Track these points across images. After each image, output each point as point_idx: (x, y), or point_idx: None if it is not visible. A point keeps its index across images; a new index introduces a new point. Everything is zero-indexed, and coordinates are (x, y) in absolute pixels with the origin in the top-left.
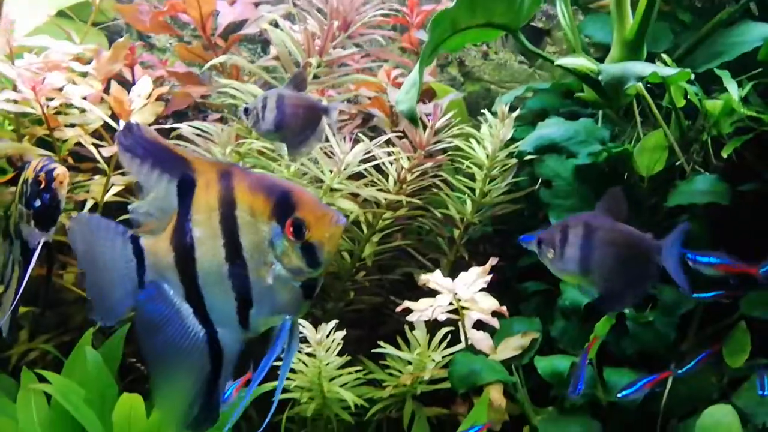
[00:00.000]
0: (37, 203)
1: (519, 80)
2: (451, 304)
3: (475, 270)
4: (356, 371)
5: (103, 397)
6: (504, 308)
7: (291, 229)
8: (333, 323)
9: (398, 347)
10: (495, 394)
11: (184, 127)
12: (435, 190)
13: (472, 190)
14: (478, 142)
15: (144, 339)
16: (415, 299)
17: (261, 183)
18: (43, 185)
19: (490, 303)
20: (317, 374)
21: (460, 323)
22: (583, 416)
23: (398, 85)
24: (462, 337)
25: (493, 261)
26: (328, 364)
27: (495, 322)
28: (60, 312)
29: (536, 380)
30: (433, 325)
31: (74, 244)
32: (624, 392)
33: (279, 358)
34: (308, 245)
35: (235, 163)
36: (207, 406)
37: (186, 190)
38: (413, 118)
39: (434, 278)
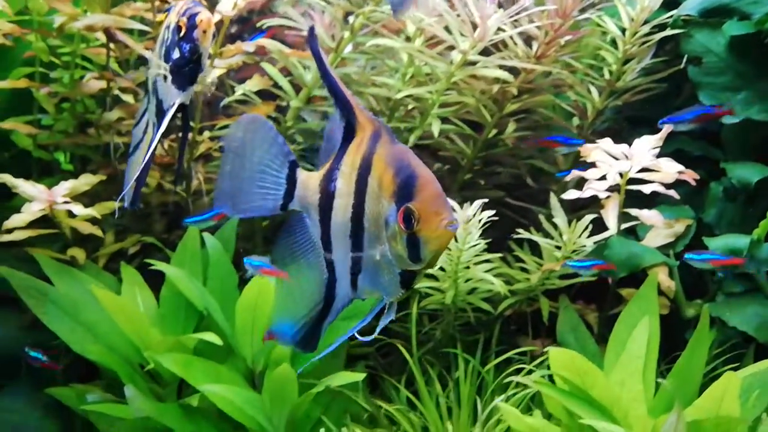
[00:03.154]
0: (175, 55)
1: None
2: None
3: (649, 137)
4: (490, 261)
5: (223, 285)
6: (693, 173)
7: (402, 216)
8: (479, 202)
9: (512, 247)
10: (663, 276)
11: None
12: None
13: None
14: (612, 15)
15: (281, 258)
16: (529, 197)
17: (396, 158)
18: (182, 33)
19: (675, 167)
20: (456, 259)
21: (603, 211)
22: (758, 298)
23: None
24: (611, 222)
25: (668, 129)
26: (474, 245)
27: (674, 194)
28: (141, 216)
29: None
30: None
31: (232, 138)
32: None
33: None
34: (414, 237)
35: (386, 126)
36: (309, 335)
37: (346, 138)
38: None
39: (604, 145)
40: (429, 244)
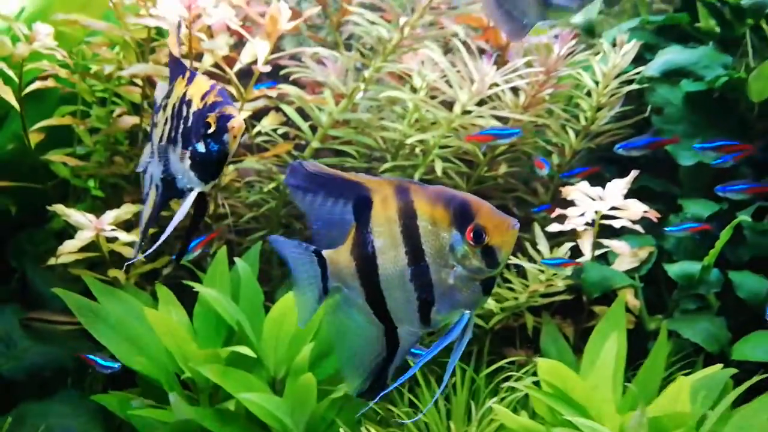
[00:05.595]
0: (201, 148)
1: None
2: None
3: (619, 181)
4: None
5: (251, 304)
6: (655, 212)
7: (471, 235)
8: None
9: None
10: (630, 297)
11: (305, 52)
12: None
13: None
14: (586, 70)
15: (332, 329)
16: None
17: (438, 195)
18: (212, 130)
19: (641, 207)
20: None
21: (579, 240)
22: (707, 314)
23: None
24: (586, 249)
25: (635, 172)
26: None
27: (640, 229)
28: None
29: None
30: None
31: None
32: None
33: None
34: (488, 248)
35: (411, 179)
36: (375, 383)
37: (363, 207)
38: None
39: (581, 188)
40: (503, 248)
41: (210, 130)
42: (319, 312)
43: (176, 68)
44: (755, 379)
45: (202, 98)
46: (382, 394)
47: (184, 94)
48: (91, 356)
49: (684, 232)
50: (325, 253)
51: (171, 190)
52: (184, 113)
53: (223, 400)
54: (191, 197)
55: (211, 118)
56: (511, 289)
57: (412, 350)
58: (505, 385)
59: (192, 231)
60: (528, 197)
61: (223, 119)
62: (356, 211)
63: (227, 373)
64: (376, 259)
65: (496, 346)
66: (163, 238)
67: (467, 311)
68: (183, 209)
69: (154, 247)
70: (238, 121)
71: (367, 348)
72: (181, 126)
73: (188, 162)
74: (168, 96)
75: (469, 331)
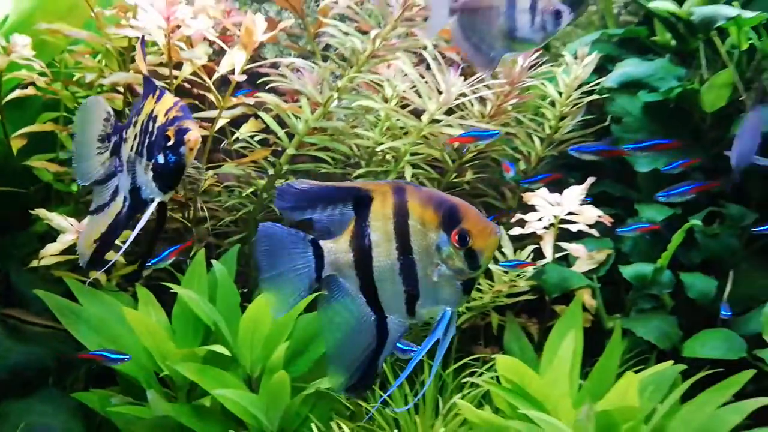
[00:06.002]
0: (161, 160)
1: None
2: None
3: (576, 187)
4: None
5: (227, 304)
6: (608, 217)
7: (456, 237)
8: None
9: None
10: (587, 296)
11: (282, 62)
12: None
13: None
14: (551, 81)
15: (324, 320)
16: None
17: (431, 198)
18: (171, 143)
19: (595, 213)
20: None
21: (541, 243)
22: (660, 313)
23: None
24: (547, 252)
25: (591, 179)
26: None
27: (595, 232)
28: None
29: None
30: None
31: (258, 246)
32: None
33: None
34: (470, 251)
35: (408, 181)
36: (364, 377)
37: (363, 203)
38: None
39: (541, 194)
40: (485, 252)
41: (169, 143)
42: (294, 311)
43: (147, 87)
44: (701, 374)
45: (166, 113)
46: (390, 390)
47: (152, 111)
48: (99, 352)
49: (634, 232)
50: (322, 242)
51: (137, 201)
52: (150, 128)
53: (200, 397)
54: (152, 207)
55: (170, 131)
56: (478, 290)
57: (401, 346)
58: (468, 380)
59: (154, 240)
60: (496, 202)
61: (181, 132)
62: (357, 205)
63: (204, 370)
64: (372, 251)
65: (464, 344)
66: (125, 247)
67: (448, 308)
68: (144, 218)
69: (117, 256)
70: (194, 134)
71: (357, 337)
72: (147, 140)
73: (151, 173)
74: (138, 113)
75: (452, 329)
